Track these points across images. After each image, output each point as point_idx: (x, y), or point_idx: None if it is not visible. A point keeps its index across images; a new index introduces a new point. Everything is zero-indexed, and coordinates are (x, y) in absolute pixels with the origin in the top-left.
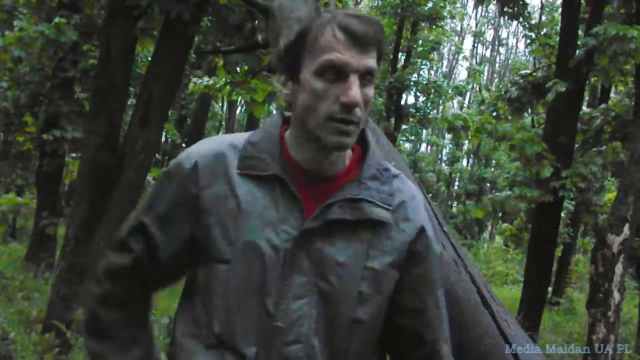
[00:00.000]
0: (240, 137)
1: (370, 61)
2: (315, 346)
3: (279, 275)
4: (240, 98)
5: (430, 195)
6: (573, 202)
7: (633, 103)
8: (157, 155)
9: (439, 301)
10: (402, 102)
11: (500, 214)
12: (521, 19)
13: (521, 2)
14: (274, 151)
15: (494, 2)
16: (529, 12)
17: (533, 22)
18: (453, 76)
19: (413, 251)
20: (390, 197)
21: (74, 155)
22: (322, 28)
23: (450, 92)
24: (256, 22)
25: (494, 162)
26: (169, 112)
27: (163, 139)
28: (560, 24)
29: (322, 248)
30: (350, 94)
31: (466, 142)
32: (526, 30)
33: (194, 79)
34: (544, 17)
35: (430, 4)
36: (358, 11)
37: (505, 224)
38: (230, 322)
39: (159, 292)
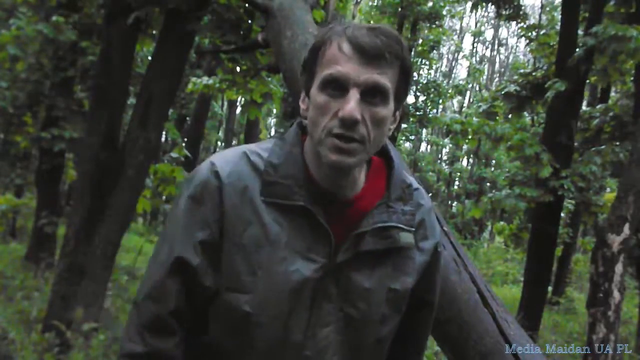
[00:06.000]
0: (258, 153)
1: (378, 77)
2: None
3: (307, 304)
4: (240, 98)
5: (430, 195)
6: (573, 202)
7: (633, 103)
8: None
9: (434, 306)
10: None
11: (499, 213)
12: (518, 20)
13: (515, 4)
14: (298, 176)
15: (491, 4)
16: (525, 14)
17: (531, 22)
18: (453, 75)
19: (427, 267)
20: (412, 217)
21: (73, 156)
22: (332, 41)
23: (450, 91)
24: (249, 21)
25: (494, 161)
26: (169, 112)
27: (163, 139)
28: (560, 24)
29: (351, 276)
30: (346, 108)
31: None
32: (524, 31)
33: (194, 79)
34: (544, 17)
35: (430, 4)
36: (377, 24)
37: (502, 223)
38: (252, 353)
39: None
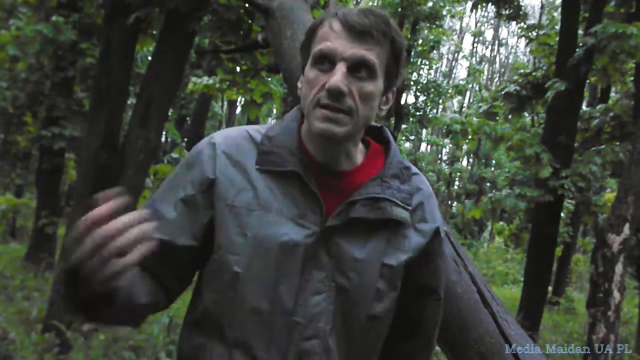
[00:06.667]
0: (258, 130)
1: (364, 52)
2: (332, 341)
3: (298, 270)
4: (240, 98)
5: None
6: (573, 202)
7: (633, 103)
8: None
9: (441, 295)
10: (402, 102)
11: (499, 213)
12: (518, 20)
13: (515, 4)
14: (291, 146)
15: (491, 4)
16: (525, 13)
17: (531, 22)
18: (453, 75)
19: (426, 250)
20: (410, 196)
21: (73, 156)
22: (324, 22)
23: (450, 91)
24: (249, 21)
25: (494, 161)
26: (169, 112)
27: (163, 139)
28: (560, 24)
29: (342, 244)
30: (332, 80)
31: (465, 143)
32: (524, 31)
33: (194, 79)
34: (544, 17)
35: (430, 4)
36: (368, 7)
37: (502, 223)
38: (241, 317)
39: (171, 295)
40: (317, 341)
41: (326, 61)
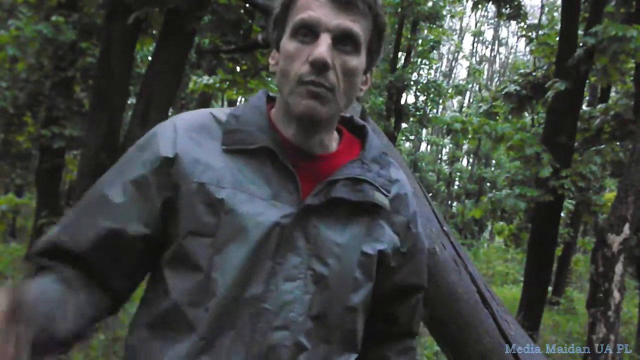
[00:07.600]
0: (223, 111)
1: (350, 23)
2: (304, 335)
3: (271, 253)
4: (240, 98)
5: (430, 195)
6: (573, 202)
7: (633, 102)
8: None
9: (425, 286)
10: (402, 102)
11: (499, 213)
12: (519, 20)
13: (516, 3)
14: (261, 123)
15: (491, 3)
16: (525, 13)
17: (531, 22)
18: (453, 75)
19: (401, 247)
20: (389, 183)
21: (74, 152)
22: None
23: (450, 91)
24: (249, 21)
25: (494, 161)
26: (169, 112)
27: None
28: (560, 24)
29: (321, 227)
30: (316, 52)
31: (465, 142)
32: (524, 31)
33: (194, 78)
34: (544, 17)
35: (430, 4)
36: None
37: (502, 223)
38: (211, 306)
39: (119, 299)
40: (287, 333)
41: (308, 32)
